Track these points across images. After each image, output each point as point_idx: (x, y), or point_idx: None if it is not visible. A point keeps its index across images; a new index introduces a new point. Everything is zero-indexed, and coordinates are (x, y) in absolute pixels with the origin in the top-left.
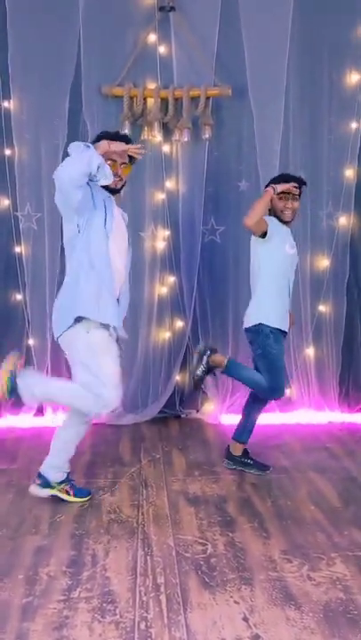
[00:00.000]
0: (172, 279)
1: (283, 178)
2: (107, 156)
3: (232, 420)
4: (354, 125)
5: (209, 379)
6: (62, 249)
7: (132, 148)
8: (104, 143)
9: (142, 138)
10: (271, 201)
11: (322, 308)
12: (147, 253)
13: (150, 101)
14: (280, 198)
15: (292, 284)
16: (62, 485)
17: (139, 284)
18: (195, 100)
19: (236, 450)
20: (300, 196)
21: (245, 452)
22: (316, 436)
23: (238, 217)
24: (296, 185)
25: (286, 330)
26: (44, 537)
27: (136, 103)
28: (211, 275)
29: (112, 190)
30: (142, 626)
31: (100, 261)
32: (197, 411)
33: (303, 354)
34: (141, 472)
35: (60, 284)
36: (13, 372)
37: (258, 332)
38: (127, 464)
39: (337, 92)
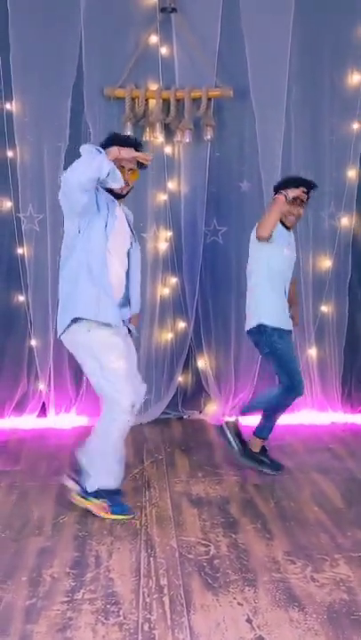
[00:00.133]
0: (174, 280)
1: (293, 182)
2: (116, 162)
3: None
4: (355, 126)
5: (211, 380)
6: None
7: (140, 155)
8: (114, 149)
9: (144, 139)
10: None
11: (324, 308)
12: (149, 254)
13: (152, 102)
14: (288, 203)
15: (288, 284)
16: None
17: (141, 285)
18: (196, 101)
19: (255, 446)
20: (308, 200)
21: (263, 450)
22: (319, 436)
23: (240, 218)
24: (305, 190)
25: (288, 328)
26: (48, 538)
27: (138, 104)
28: (213, 275)
29: (118, 195)
30: (146, 627)
31: (99, 265)
32: (200, 412)
33: (306, 354)
34: (144, 473)
35: None
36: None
37: (260, 332)
38: (130, 465)
39: (338, 93)
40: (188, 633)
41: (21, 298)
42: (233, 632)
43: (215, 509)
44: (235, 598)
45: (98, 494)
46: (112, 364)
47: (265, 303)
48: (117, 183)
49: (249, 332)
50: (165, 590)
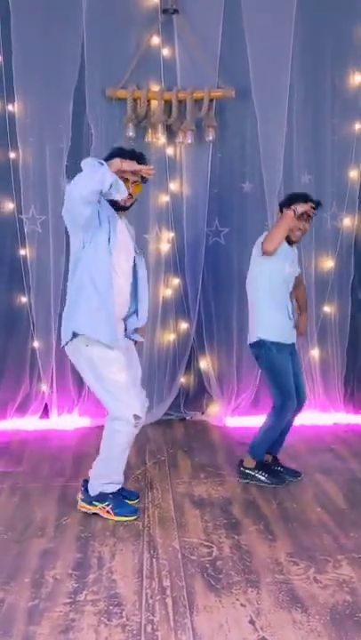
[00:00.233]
0: (176, 281)
1: (299, 197)
2: (119, 174)
3: (237, 422)
4: (357, 126)
5: (214, 381)
6: (67, 251)
7: (143, 169)
8: (117, 161)
9: (146, 140)
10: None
11: (327, 308)
12: (151, 256)
13: (154, 103)
14: (295, 218)
15: (289, 298)
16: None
17: None
18: (198, 102)
19: (267, 458)
20: (314, 216)
21: (275, 459)
22: (322, 437)
23: (242, 218)
24: (313, 206)
25: (289, 342)
26: (50, 540)
27: (140, 105)
28: (215, 276)
29: (121, 207)
30: (148, 629)
31: (102, 280)
32: (202, 413)
33: (308, 355)
34: (146, 474)
35: (65, 286)
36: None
37: (260, 346)
38: (132, 466)
39: (340, 94)
40: (191, 634)
41: (24, 299)
42: (236, 633)
43: (218, 510)
44: (238, 599)
45: (100, 498)
46: (113, 375)
47: (265, 318)
48: (121, 194)
49: (250, 345)
50: (168, 591)
